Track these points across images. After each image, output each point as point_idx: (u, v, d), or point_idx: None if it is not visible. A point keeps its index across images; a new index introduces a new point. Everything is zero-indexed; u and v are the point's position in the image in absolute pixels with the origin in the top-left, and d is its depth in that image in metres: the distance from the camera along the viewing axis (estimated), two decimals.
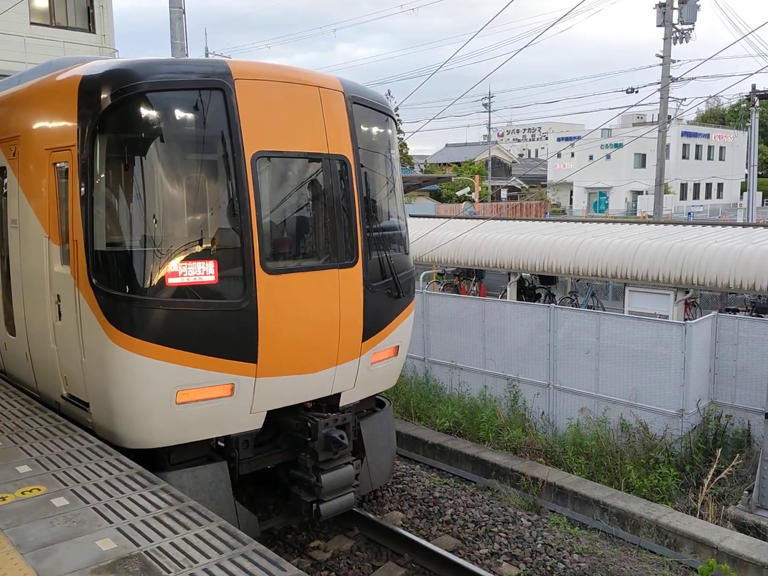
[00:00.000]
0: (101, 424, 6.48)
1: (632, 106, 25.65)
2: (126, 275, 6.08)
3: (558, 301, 19.14)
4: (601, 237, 15.36)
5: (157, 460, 6.46)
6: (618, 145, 57.79)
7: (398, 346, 8.09)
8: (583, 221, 20.98)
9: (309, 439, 6.99)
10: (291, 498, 7.37)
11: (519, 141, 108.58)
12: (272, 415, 6.92)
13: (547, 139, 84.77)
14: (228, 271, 6.30)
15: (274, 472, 7.60)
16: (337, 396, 7.42)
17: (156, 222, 6.10)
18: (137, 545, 4.36)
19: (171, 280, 5.99)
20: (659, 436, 10.22)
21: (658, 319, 11.75)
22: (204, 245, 6.16)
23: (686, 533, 8.38)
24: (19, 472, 5.52)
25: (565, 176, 53.19)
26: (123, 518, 4.73)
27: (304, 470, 7.14)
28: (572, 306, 18.55)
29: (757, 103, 34.04)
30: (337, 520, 8.01)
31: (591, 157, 53.72)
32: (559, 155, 66.22)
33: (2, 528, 4.58)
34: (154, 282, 5.99)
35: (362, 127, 7.46)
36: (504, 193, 57.28)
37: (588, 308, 18.39)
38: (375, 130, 7.87)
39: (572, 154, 64.32)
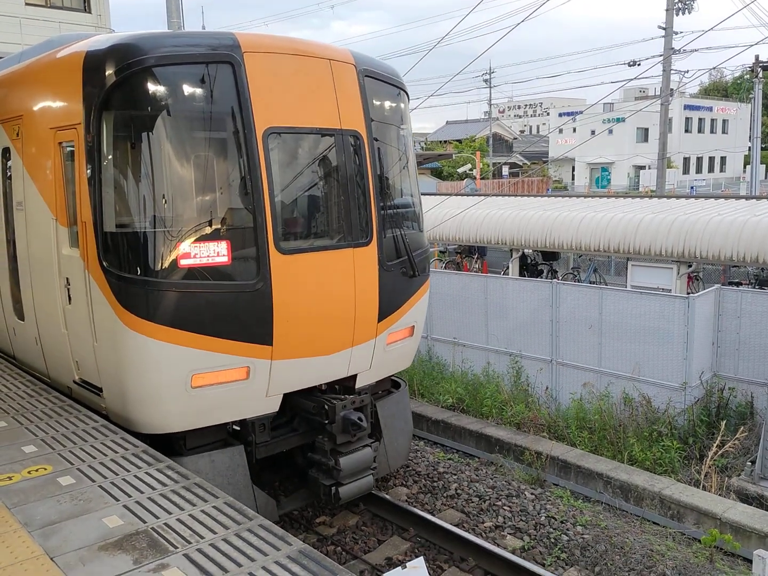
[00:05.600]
0: (115, 409, 6.36)
1: (633, 78, 25.34)
2: (137, 257, 5.91)
3: (560, 277, 19.10)
4: (604, 212, 15.28)
5: (172, 445, 6.38)
6: (620, 120, 57.31)
7: (413, 326, 7.92)
8: (585, 196, 20.88)
9: (326, 421, 6.87)
10: (309, 481, 7.28)
11: (520, 117, 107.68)
12: (288, 398, 6.81)
13: (548, 114, 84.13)
14: (241, 251, 6.12)
15: (290, 455, 7.51)
16: (353, 377, 7.27)
17: (166, 202, 5.91)
18: (144, 522, 4.39)
19: (183, 262, 5.82)
20: (662, 409, 10.25)
21: (660, 293, 11.73)
22: (216, 225, 6.00)
23: (689, 504, 8.44)
24: (25, 452, 5.55)
25: (566, 152, 52.82)
26: (129, 496, 4.76)
27: (322, 453, 7.03)
28: (575, 282, 18.51)
29: (760, 75, 33.64)
30: None
31: (593, 132, 53.28)
32: (560, 131, 65.75)
33: (9, 507, 4.62)
34: (167, 264, 5.82)
35: (375, 102, 7.21)
36: (505, 170, 56.91)
37: (590, 284, 18.36)
38: (388, 104, 7.60)
39: (574, 130, 63.87)
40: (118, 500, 4.69)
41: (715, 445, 9.33)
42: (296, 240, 6.63)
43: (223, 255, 5.96)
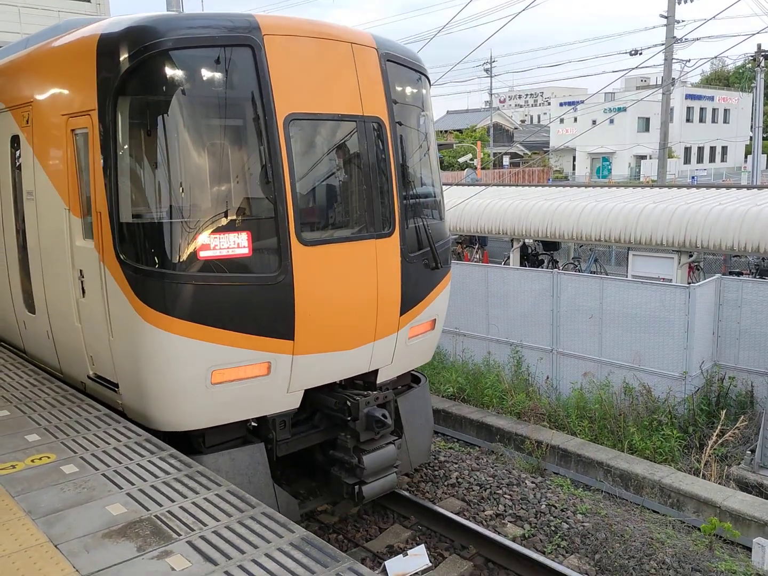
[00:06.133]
0: (132, 405, 6.17)
1: (635, 68, 25.25)
2: (157, 249, 5.69)
3: (561, 267, 19.10)
4: (604, 201, 15.26)
5: (191, 443, 6.21)
6: (621, 109, 57.12)
7: (435, 319, 7.69)
8: (586, 186, 20.85)
9: (349, 418, 6.68)
10: (331, 479, 7.09)
11: (521, 107, 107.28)
12: (309, 394, 6.63)
13: (549, 104, 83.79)
14: (262, 242, 5.92)
15: (310, 452, 7.32)
16: (375, 372, 7.10)
17: (185, 191, 5.71)
18: (147, 510, 4.42)
19: (203, 253, 5.61)
20: (662, 398, 10.28)
21: (661, 282, 11.74)
22: (236, 215, 5.81)
23: (689, 493, 8.48)
24: (28, 441, 5.57)
25: (567, 141, 52.66)
26: (132, 484, 4.78)
27: (345, 451, 6.85)
28: (575, 271, 18.51)
29: (762, 64, 33.50)
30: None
31: (594, 122, 53.12)
32: (561, 120, 65.52)
33: (13, 495, 4.64)
34: (187, 255, 5.61)
35: (397, 87, 6.97)
36: (506, 160, 56.78)
37: (591, 273, 18.36)
38: (409, 89, 7.31)
39: (575, 119, 63.65)
40: (121, 488, 4.71)
41: (715, 434, 9.36)
42: (318, 231, 6.44)
43: (244, 246, 5.76)
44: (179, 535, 4.10)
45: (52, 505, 4.50)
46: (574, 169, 69.26)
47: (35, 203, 7.16)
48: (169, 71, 5.69)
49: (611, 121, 59.42)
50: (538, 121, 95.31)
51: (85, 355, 6.65)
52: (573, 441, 10.01)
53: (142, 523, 4.25)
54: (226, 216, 5.74)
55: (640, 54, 30.65)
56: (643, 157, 59.10)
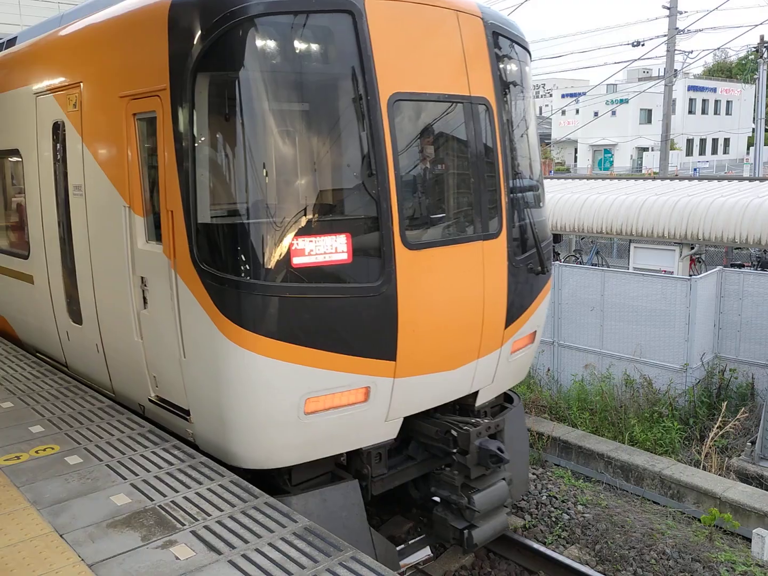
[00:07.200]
0: (207, 437, 5.31)
1: (637, 59, 25.13)
2: (248, 255, 4.75)
3: (563, 259, 19.10)
4: (606, 194, 15.24)
5: (275, 481, 5.39)
6: (623, 101, 56.93)
7: (535, 331, 6.79)
8: (588, 178, 20.82)
9: (455, 450, 5.79)
10: (434, 522, 6.17)
11: None
12: (404, 421, 5.73)
13: (551, 95, 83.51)
14: (363, 246, 5.05)
15: (402, 486, 6.28)
16: (474, 394, 6.20)
17: (278, 186, 4.92)
18: (151, 500, 4.45)
19: (297, 260, 4.74)
20: (663, 390, 10.31)
21: (663, 275, 11.75)
22: (335, 214, 5.05)
23: (689, 484, 8.51)
24: (32, 432, 5.61)
25: (569, 133, 52.50)
26: (136, 474, 4.82)
27: (451, 489, 5.92)
28: (577, 264, 18.51)
29: (765, 55, 33.36)
30: None
31: (596, 114, 52.95)
32: (563, 112, 65.30)
33: (18, 486, 4.68)
34: (279, 263, 4.74)
35: (502, 64, 6.08)
36: None
37: (592, 266, 18.37)
38: (515, 67, 6.33)
39: (577, 111, 63.43)
40: (125, 479, 4.75)
41: (715, 426, 9.40)
42: (423, 231, 5.51)
43: (343, 251, 4.89)
44: (183, 525, 4.14)
45: (56, 496, 4.53)
46: (575, 160, 69.12)
47: (84, 199, 6.26)
48: (260, 42, 4.79)
49: (613, 113, 59.17)
50: (540, 113, 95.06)
51: (146, 374, 5.78)
52: (574, 433, 10.05)
53: (146, 513, 4.29)
54: (323, 215, 4.98)
55: (643, 45, 30.54)
56: (645, 149, 58.96)
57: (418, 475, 6.21)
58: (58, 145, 6.68)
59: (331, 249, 4.85)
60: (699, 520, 7.94)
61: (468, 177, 5.75)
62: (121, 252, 5.74)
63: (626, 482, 9.13)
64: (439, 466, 6.13)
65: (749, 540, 7.49)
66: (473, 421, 5.90)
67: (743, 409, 9.76)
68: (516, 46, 6.32)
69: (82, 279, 6.47)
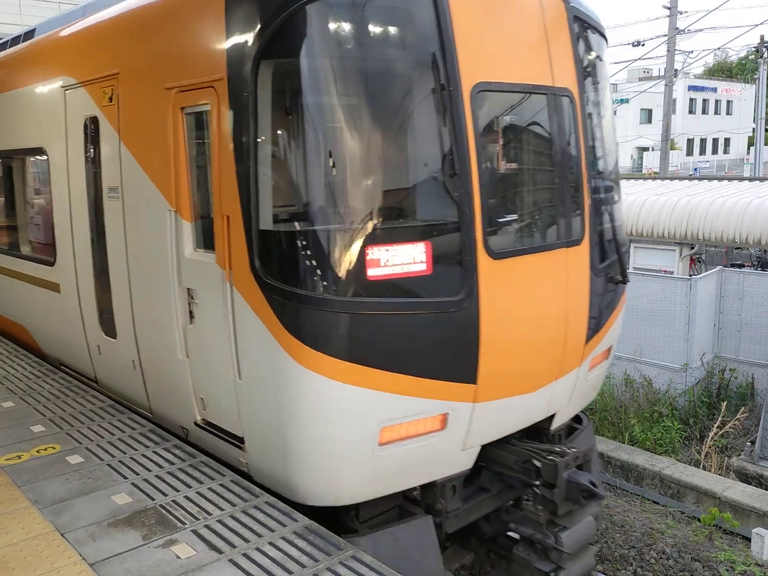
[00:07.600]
0: (265, 469, 4.75)
1: (637, 59, 25.13)
2: (317, 266, 4.24)
3: None
4: None
5: (341, 518, 4.80)
6: (624, 101, 56.96)
7: (611, 346, 6.22)
8: None
9: (537, 482, 5.14)
10: (514, 563, 5.48)
11: None
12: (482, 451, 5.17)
13: None
14: (442, 255, 4.50)
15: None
16: (550, 417, 5.60)
17: (353, 188, 4.40)
18: (152, 499, 4.47)
19: (372, 272, 4.19)
20: (663, 390, 10.32)
21: (663, 274, 11.77)
22: (412, 220, 4.56)
23: (689, 484, 8.53)
24: (33, 432, 5.62)
25: None
26: (137, 474, 4.83)
27: (535, 526, 5.25)
28: None
29: (765, 55, 33.37)
30: None
31: None
32: None
33: (20, 485, 4.70)
34: (353, 275, 4.21)
35: (584, 53, 5.55)
36: None
37: None
38: (595, 56, 5.77)
39: None
40: (126, 478, 4.76)
41: (715, 425, 9.41)
42: (505, 238, 4.94)
43: (421, 261, 4.32)
44: (184, 524, 4.15)
45: (58, 495, 4.55)
46: None
47: (122, 202, 5.73)
48: (333, 26, 4.27)
49: (614, 113, 59.27)
50: None
51: (191, 396, 5.25)
52: None
53: (147, 512, 4.30)
54: (402, 220, 4.53)
55: (643, 45, 30.57)
56: (646, 149, 58.96)
57: (493, 508, 5.65)
58: (90, 143, 6.18)
59: (410, 259, 4.30)
60: (699, 519, 7.95)
61: (552, 178, 5.21)
62: (164, 261, 5.21)
63: (626, 482, 9.14)
64: (515, 497, 5.66)
65: (749, 539, 7.51)
66: (558, 449, 5.24)
67: (743, 408, 9.78)
68: (597, 33, 5.80)
69: (117, 289, 5.97)
